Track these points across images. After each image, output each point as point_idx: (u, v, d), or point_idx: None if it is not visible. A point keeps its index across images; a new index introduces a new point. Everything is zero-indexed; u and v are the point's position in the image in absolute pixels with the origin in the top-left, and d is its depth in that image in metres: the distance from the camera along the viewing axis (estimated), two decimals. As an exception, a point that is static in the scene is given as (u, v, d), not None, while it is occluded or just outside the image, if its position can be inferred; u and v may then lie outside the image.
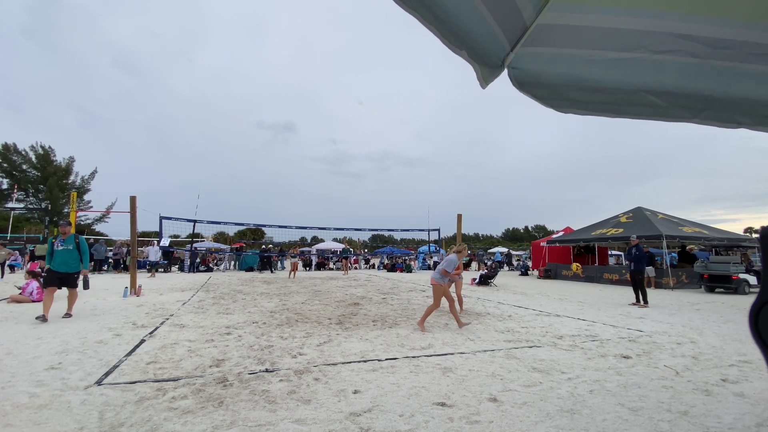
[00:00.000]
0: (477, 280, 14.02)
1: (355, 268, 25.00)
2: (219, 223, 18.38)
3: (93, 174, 43.13)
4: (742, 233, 26.31)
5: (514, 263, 28.71)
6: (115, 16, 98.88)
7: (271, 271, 20.01)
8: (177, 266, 20.33)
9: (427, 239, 23.54)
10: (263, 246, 24.34)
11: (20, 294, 7.90)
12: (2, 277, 13.72)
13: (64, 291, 6.27)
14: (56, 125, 67.55)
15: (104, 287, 10.96)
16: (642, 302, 8.63)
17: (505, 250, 37.26)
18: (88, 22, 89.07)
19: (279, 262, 21.99)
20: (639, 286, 8.72)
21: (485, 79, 1.76)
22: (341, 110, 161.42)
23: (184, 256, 20.66)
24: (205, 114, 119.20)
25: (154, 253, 16.11)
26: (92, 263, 17.25)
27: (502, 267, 25.18)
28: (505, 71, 1.81)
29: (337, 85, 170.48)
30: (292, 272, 16.66)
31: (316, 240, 39.47)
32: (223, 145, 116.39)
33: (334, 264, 24.26)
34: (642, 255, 8.89)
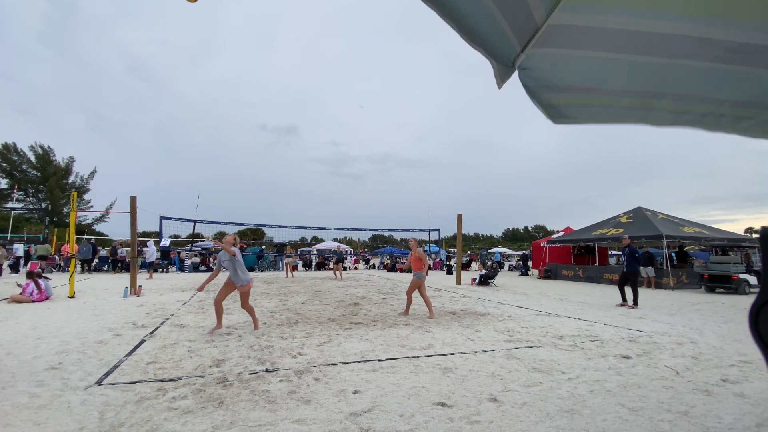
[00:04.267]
0: (477, 280, 14.01)
1: (355, 268, 24.98)
2: (219, 223, 18.37)
3: (93, 174, 43.23)
4: (743, 233, 26.31)
5: (506, 266, 28.40)
6: (129, 24, 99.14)
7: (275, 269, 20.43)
8: (175, 267, 20.29)
9: (428, 239, 23.55)
10: (279, 245, 24.27)
11: (21, 294, 7.90)
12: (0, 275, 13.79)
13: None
14: (65, 128, 67.75)
15: (104, 287, 10.97)
16: (631, 303, 8.48)
17: (504, 250, 37.13)
18: (103, 30, 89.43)
19: (276, 262, 21.99)
20: (632, 286, 8.61)
21: (501, 78, 1.69)
22: (343, 114, 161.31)
23: (185, 256, 20.65)
24: (210, 117, 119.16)
25: (150, 254, 15.68)
26: (87, 263, 17.20)
27: (502, 267, 25.16)
28: (516, 73, 1.76)
29: (339, 90, 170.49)
30: (290, 272, 16.64)
31: (316, 240, 39.45)
32: (225, 147, 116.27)
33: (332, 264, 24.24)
34: (635, 255, 8.75)
